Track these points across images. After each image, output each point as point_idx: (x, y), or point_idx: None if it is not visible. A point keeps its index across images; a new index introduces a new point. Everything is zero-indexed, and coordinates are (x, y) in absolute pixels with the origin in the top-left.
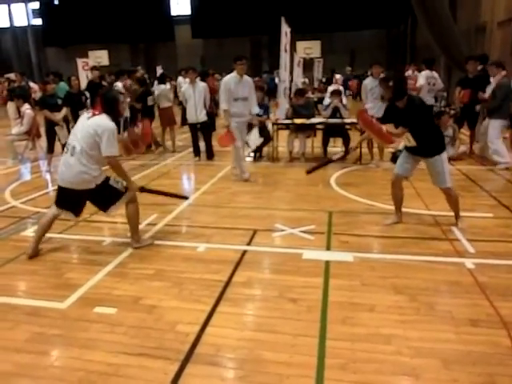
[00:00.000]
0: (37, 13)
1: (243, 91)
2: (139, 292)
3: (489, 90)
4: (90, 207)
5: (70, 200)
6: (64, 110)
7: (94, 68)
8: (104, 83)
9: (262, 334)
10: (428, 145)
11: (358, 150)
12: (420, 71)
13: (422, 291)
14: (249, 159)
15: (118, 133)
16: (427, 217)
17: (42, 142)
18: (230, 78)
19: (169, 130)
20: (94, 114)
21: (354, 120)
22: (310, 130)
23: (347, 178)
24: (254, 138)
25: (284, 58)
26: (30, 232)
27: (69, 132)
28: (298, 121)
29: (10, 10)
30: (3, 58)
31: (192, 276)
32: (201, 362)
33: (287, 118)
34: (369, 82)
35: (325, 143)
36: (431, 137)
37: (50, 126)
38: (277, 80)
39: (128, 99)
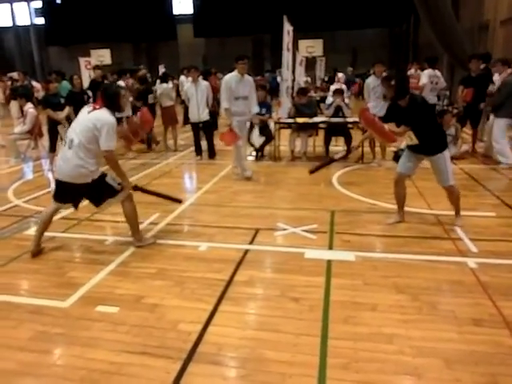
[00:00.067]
0: (39, 12)
1: (244, 90)
2: (141, 291)
3: (495, 86)
4: (91, 206)
5: (68, 193)
6: (66, 109)
7: (96, 67)
8: (106, 82)
9: (264, 333)
10: (430, 143)
11: (360, 149)
12: (422, 70)
13: (424, 290)
14: (251, 158)
15: None
16: (429, 216)
17: (45, 141)
18: (230, 77)
19: (171, 128)
20: (94, 108)
21: (357, 119)
22: (312, 129)
23: (349, 177)
24: (256, 137)
25: (286, 56)
26: (33, 231)
27: None
28: (300, 120)
29: (12, 9)
30: (6, 57)
31: (194, 275)
32: (203, 360)
33: (289, 117)
34: (371, 81)
35: (327, 142)
36: (433, 135)
37: (53, 125)
38: (279, 79)
39: (131, 98)
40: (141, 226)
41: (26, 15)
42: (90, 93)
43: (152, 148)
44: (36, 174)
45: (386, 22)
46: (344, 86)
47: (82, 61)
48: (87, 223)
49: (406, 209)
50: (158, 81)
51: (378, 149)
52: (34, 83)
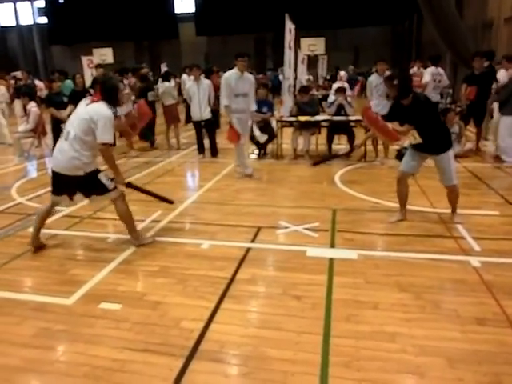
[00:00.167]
0: (42, 11)
1: (243, 87)
2: (144, 288)
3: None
4: (93, 204)
5: (62, 185)
6: (69, 108)
7: (98, 66)
8: None
9: (266, 331)
10: (434, 142)
11: (362, 148)
12: (425, 68)
13: (426, 289)
14: (253, 156)
15: None
16: (432, 214)
17: (48, 139)
18: (230, 74)
19: (173, 127)
20: (92, 101)
21: (359, 117)
22: (314, 127)
23: (352, 176)
24: (259, 135)
25: (288, 55)
26: None
27: None
28: (302, 118)
29: (15, 8)
30: (9, 57)
31: (196, 273)
32: (205, 358)
33: (291, 116)
34: (374, 79)
35: (329, 140)
36: (437, 134)
37: (56, 123)
38: (281, 77)
39: (133, 97)
40: (143, 224)
41: (29, 14)
42: (92, 91)
43: (155, 146)
44: (39, 172)
45: (389, 20)
46: (346, 85)
47: (85, 60)
48: (89, 221)
49: (409, 207)
50: (160, 79)
51: (380, 147)
52: (37, 82)
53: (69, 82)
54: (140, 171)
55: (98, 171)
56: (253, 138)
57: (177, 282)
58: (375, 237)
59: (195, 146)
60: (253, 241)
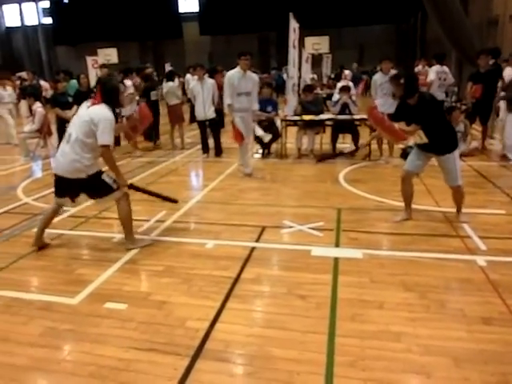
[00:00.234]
0: (47, 12)
1: (246, 86)
2: (149, 288)
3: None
4: (98, 204)
5: (65, 187)
6: (75, 108)
7: (102, 66)
8: None
9: (271, 331)
10: (440, 142)
11: (367, 147)
12: (430, 66)
13: (432, 288)
14: (257, 156)
15: None
16: (437, 213)
17: (53, 139)
18: (233, 73)
19: (177, 127)
20: (93, 104)
21: (364, 116)
22: (318, 126)
23: (356, 175)
24: (263, 134)
25: (292, 54)
26: None
27: None
28: (306, 117)
29: (21, 9)
30: (15, 57)
31: (201, 272)
32: (210, 357)
33: (296, 115)
34: (378, 78)
35: (334, 140)
36: (443, 134)
37: (62, 123)
38: (285, 76)
39: (137, 97)
40: (147, 224)
41: (34, 15)
42: (95, 90)
43: (157, 144)
44: (45, 172)
45: (393, 18)
46: (351, 84)
47: (90, 60)
48: (95, 221)
49: (414, 206)
50: (165, 79)
51: (385, 146)
52: (42, 82)
53: (74, 82)
54: (144, 171)
55: (101, 172)
56: (257, 137)
57: (182, 282)
58: (380, 236)
59: (199, 146)
60: (257, 240)
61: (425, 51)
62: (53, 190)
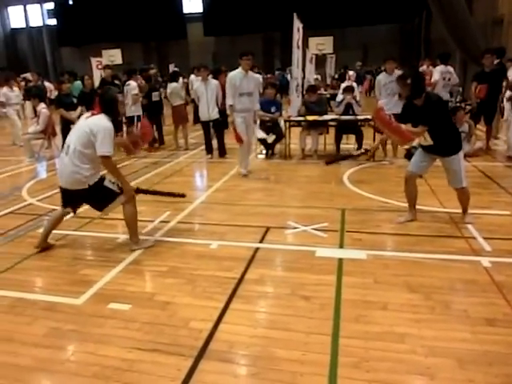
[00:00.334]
0: (52, 13)
1: (248, 86)
2: (153, 289)
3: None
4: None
5: (68, 199)
6: (79, 109)
7: (106, 67)
8: (116, 82)
9: (275, 332)
10: (445, 144)
11: (371, 147)
12: (435, 66)
13: (436, 290)
14: (261, 156)
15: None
16: (442, 214)
17: (58, 140)
18: (235, 74)
19: (181, 127)
20: (92, 114)
21: (367, 116)
22: (322, 126)
23: (360, 175)
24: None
25: (296, 54)
26: None
27: None
28: (310, 118)
29: (25, 10)
30: (20, 58)
31: (205, 273)
32: (214, 358)
33: (299, 115)
34: (382, 78)
35: (337, 140)
36: (448, 135)
37: (66, 124)
38: (289, 77)
39: (141, 98)
40: (152, 224)
41: (38, 16)
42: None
43: (162, 146)
44: (49, 173)
45: (397, 18)
46: (355, 84)
47: (94, 61)
48: (99, 221)
49: (418, 207)
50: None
51: (389, 146)
52: (47, 83)
53: (78, 83)
54: (148, 171)
55: (102, 179)
56: (261, 138)
57: (186, 283)
58: (384, 237)
59: (203, 146)
60: (261, 241)
61: (429, 51)
62: (57, 190)
